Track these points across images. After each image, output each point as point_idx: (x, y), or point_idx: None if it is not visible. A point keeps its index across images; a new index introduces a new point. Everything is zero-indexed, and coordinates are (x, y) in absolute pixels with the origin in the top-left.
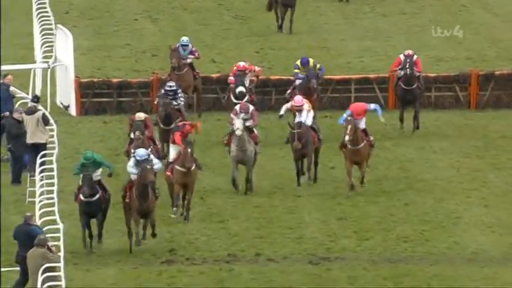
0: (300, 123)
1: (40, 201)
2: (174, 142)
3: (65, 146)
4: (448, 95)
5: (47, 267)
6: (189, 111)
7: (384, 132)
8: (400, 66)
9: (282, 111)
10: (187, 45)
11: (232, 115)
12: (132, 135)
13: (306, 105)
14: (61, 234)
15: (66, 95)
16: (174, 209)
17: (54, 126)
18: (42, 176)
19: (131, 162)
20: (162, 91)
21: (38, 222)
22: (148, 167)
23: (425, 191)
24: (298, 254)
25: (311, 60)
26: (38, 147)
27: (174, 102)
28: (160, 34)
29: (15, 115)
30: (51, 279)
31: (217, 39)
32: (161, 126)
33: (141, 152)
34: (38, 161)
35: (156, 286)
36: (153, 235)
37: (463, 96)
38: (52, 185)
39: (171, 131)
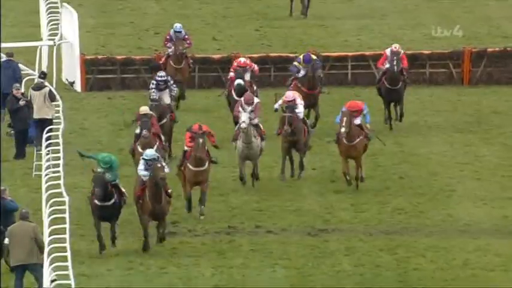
0: (292, 108)
1: (46, 175)
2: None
3: (71, 121)
4: (442, 72)
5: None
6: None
7: (379, 107)
8: (386, 62)
9: (276, 106)
10: (180, 32)
11: (236, 112)
12: (137, 131)
13: (299, 99)
14: (67, 207)
15: (72, 72)
16: (186, 210)
17: (60, 102)
18: (48, 151)
19: (141, 165)
20: (154, 84)
21: (44, 195)
22: (158, 165)
23: (419, 164)
24: (297, 226)
25: (313, 56)
26: (44, 122)
27: (172, 93)
28: (163, 13)
29: (14, 91)
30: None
31: (218, 17)
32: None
33: (150, 153)
34: (44, 135)
35: (159, 256)
36: (163, 239)
37: (456, 72)
38: (58, 159)
39: (162, 127)
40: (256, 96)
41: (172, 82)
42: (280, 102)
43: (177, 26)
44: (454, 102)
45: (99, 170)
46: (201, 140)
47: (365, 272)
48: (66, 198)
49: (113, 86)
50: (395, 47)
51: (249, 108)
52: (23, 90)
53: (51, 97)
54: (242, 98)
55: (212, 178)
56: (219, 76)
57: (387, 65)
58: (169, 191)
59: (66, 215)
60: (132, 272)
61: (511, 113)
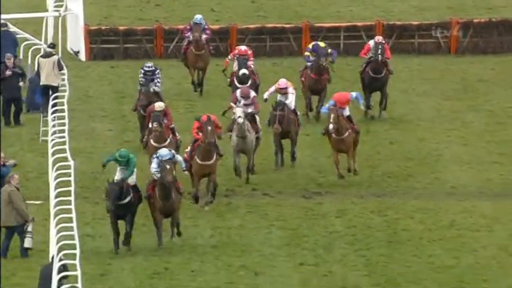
0: (283, 105)
1: (52, 140)
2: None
3: (76, 88)
4: (430, 42)
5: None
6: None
7: None
8: (369, 53)
9: (266, 95)
10: (200, 24)
11: (231, 103)
12: (151, 125)
13: (291, 88)
14: (72, 171)
15: (76, 42)
16: (193, 191)
17: (65, 71)
18: (54, 117)
19: (154, 163)
20: (142, 72)
21: (51, 159)
22: (167, 166)
23: (408, 130)
24: (291, 189)
25: (322, 44)
26: (50, 89)
27: (154, 87)
28: None
29: (6, 60)
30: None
31: None
32: (142, 113)
33: (164, 152)
34: (50, 102)
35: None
36: (178, 234)
37: (444, 42)
38: (63, 124)
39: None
40: (257, 86)
41: (158, 73)
42: (272, 89)
43: (197, 17)
44: (442, 71)
45: (116, 177)
46: (210, 128)
47: (356, 233)
48: (71, 163)
49: (115, 55)
50: (378, 39)
51: (243, 102)
52: (29, 60)
53: (60, 66)
54: (239, 91)
55: None
56: (217, 46)
57: (371, 55)
58: (180, 190)
59: (71, 178)
60: (135, 232)
61: (496, 81)
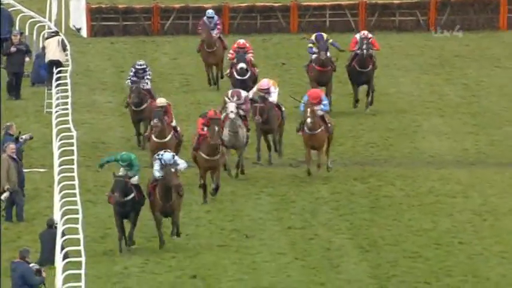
0: (264, 98)
1: (56, 112)
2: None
3: (78, 63)
4: (410, 19)
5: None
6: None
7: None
8: (357, 46)
9: (251, 95)
10: (212, 18)
11: (225, 98)
12: (152, 122)
13: (273, 88)
14: (74, 140)
15: (78, 19)
16: (201, 182)
17: (68, 47)
18: (58, 90)
19: (156, 165)
20: (133, 70)
21: (54, 130)
22: (172, 170)
23: (390, 102)
24: (280, 158)
25: (324, 35)
26: (55, 64)
27: (146, 81)
28: None
29: (12, 36)
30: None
31: None
32: (133, 108)
33: (167, 157)
34: (54, 76)
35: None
36: (177, 234)
37: (423, 20)
38: (66, 97)
39: (143, 112)
40: (256, 78)
41: (148, 70)
42: (254, 89)
43: (209, 12)
44: (421, 47)
45: (120, 173)
46: (216, 128)
47: (341, 199)
48: (74, 133)
49: (115, 32)
50: (364, 33)
51: (235, 99)
52: (34, 36)
53: (63, 46)
54: (230, 92)
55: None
56: None
57: (357, 49)
58: (180, 192)
59: (74, 148)
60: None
61: (471, 56)
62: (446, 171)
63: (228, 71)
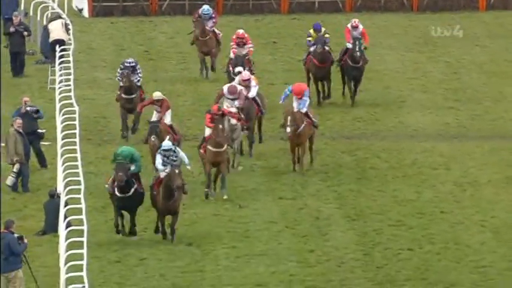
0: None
1: (59, 88)
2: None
3: (80, 42)
4: (395, 0)
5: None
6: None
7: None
8: (351, 41)
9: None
10: (207, 13)
11: (221, 94)
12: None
13: (253, 82)
14: (76, 115)
15: (80, 0)
16: (206, 190)
17: (71, 26)
18: (61, 67)
19: (159, 158)
20: (121, 68)
21: (58, 105)
22: (176, 171)
23: (375, 79)
24: (272, 132)
25: (323, 29)
26: (59, 42)
27: (137, 78)
28: None
29: (13, 17)
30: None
31: None
32: (123, 96)
33: (166, 143)
34: (57, 54)
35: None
36: (172, 231)
37: (407, 1)
38: (69, 74)
39: (132, 101)
40: (253, 73)
41: (139, 68)
42: (236, 81)
43: (205, 8)
44: (405, 26)
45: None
46: (220, 126)
47: (329, 171)
48: (76, 108)
49: (115, 12)
50: (355, 22)
51: (230, 96)
52: (38, 16)
53: (67, 28)
54: (226, 88)
55: (201, 93)
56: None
57: (349, 45)
58: (185, 190)
59: (76, 122)
60: None
61: (452, 35)
62: (429, 144)
63: (225, 67)
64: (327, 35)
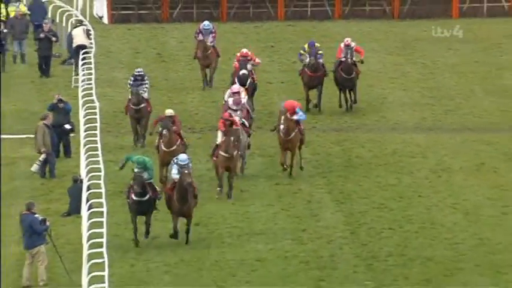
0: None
1: (82, 86)
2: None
3: (100, 46)
4: (378, 9)
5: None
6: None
7: (331, 34)
8: (343, 55)
9: (226, 97)
10: (208, 28)
11: (226, 105)
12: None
13: (243, 94)
14: (97, 110)
15: (101, 8)
16: (218, 189)
17: (92, 32)
18: (84, 68)
19: (174, 169)
20: (132, 78)
21: (80, 101)
22: (186, 171)
23: (360, 79)
24: (270, 126)
25: (317, 45)
26: (81, 48)
27: (144, 88)
28: None
29: (43, 24)
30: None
31: None
32: (132, 107)
33: (182, 157)
34: (80, 57)
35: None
36: (187, 231)
37: (388, 9)
38: (90, 74)
39: (140, 110)
40: (255, 86)
41: (147, 79)
42: (228, 93)
43: (205, 23)
44: (387, 32)
45: (136, 170)
46: (232, 138)
47: (320, 159)
48: (96, 104)
49: (131, 19)
50: (347, 40)
51: (235, 107)
52: (64, 23)
53: (88, 34)
54: (231, 99)
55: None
56: (211, 12)
57: (342, 58)
58: (196, 193)
59: (97, 117)
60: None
61: (428, 39)
62: (407, 136)
63: (230, 79)
64: (320, 52)
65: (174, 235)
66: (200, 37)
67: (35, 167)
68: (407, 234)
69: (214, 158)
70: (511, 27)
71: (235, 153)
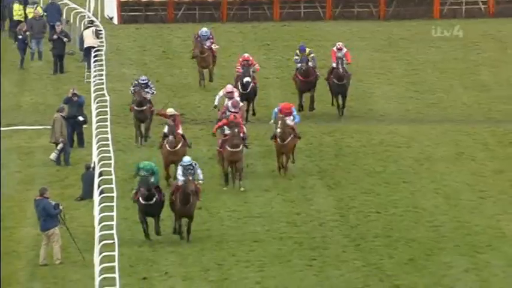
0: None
1: (94, 81)
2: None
3: (110, 44)
4: (365, 10)
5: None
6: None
7: (322, 34)
8: (336, 60)
9: (216, 102)
10: (206, 35)
11: (225, 108)
12: (165, 130)
13: (236, 94)
14: (108, 103)
15: (111, 10)
16: (224, 183)
17: (103, 32)
18: (95, 65)
19: (179, 171)
20: (135, 84)
21: (92, 95)
22: (190, 178)
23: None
24: (266, 118)
25: (307, 49)
26: (91, 49)
27: (148, 91)
28: None
29: (56, 26)
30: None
31: None
32: (135, 108)
33: (186, 159)
34: (92, 54)
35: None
36: (188, 231)
37: (375, 11)
38: (102, 70)
39: (143, 111)
40: (256, 90)
41: (151, 84)
42: (221, 94)
43: (203, 30)
44: (374, 32)
45: (143, 174)
46: (236, 130)
47: (312, 148)
48: (107, 98)
49: (139, 20)
50: (339, 45)
51: (233, 110)
52: (77, 23)
53: (97, 34)
54: (230, 102)
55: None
56: (212, 14)
57: (334, 65)
58: (199, 196)
59: (108, 109)
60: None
61: (412, 39)
62: (393, 127)
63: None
64: (311, 54)
65: (180, 235)
66: (199, 39)
67: (53, 155)
68: (393, 217)
69: (220, 150)
70: (488, 27)
71: (240, 147)
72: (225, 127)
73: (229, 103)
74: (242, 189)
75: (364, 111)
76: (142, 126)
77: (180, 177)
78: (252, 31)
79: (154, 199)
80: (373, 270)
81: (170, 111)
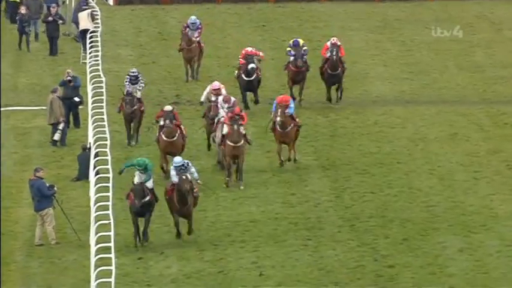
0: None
1: (89, 62)
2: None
3: (106, 25)
4: None
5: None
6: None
7: (318, 14)
8: (328, 52)
9: (202, 98)
10: (194, 23)
11: (214, 109)
12: (161, 123)
13: (223, 90)
14: (103, 84)
15: None
16: (227, 179)
17: (99, 13)
18: (91, 46)
19: (173, 171)
20: (127, 78)
21: (88, 76)
22: (183, 177)
23: (345, 56)
24: (261, 99)
25: (301, 41)
26: (86, 32)
27: (138, 87)
28: None
29: (51, 8)
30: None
31: None
32: (129, 111)
33: (177, 160)
34: (88, 35)
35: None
36: (189, 232)
37: None
38: (97, 51)
39: (134, 112)
40: (259, 80)
41: (141, 78)
42: (207, 90)
43: (192, 18)
44: (369, 13)
45: (137, 181)
46: (235, 127)
47: (308, 129)
48: (103, 79)
49: (134, 1)
50: (334, 40)
51: (226, 105)
52: (73, 5)
53: (93, 17)
54: (220, 98)
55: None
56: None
57: (328, 54)
58: (195, 194)
59: (103, 90)
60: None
61: (406, 20)
62: (387, 108)
63: (236, 72)
64: (304, 48)
65: (176, 233)
66: (187, 31)
67: (57, 136)
68: (387, 197)
69: (222, 146)
70: (482, 8)
71: (241, 142)
72: (225, 125)
73: (219, 99)
74: (242, 187)
75: (359, 92)
76: (131, 126)
77: (174, 178)
78: (247, 12)
79: (146, 199)
80: (367, 250)
81: (167, 108)
